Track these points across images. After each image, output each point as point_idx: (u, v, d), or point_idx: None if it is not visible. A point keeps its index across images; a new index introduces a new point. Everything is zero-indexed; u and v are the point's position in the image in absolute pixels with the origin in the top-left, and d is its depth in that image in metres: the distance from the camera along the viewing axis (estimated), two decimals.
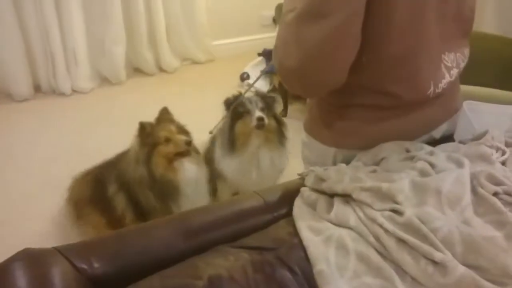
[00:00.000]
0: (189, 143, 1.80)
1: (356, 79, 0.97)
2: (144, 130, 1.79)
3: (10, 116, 3.13)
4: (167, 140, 1.79)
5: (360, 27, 0.87)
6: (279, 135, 2.00)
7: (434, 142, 1.10)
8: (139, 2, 3.51)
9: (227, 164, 2.02)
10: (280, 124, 2.02)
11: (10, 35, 3.13)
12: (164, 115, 1.90)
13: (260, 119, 1.88)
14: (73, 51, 3.36)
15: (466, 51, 1.14)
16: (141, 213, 1.82)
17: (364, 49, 0.92)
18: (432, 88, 1.02)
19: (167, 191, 1.80)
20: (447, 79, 1.06)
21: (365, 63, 0.95)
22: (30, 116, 3.15)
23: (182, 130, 1.89)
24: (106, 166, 1.92)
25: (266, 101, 1.99)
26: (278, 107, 2.05)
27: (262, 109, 1.93)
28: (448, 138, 1.16)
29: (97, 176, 1.91)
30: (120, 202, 1.83)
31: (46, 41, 3.26)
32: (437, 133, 1.15)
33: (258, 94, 1.99)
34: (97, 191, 1.88)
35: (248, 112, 1.92)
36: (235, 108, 1.95)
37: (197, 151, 1.97)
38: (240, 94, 1.98)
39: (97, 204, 1.87)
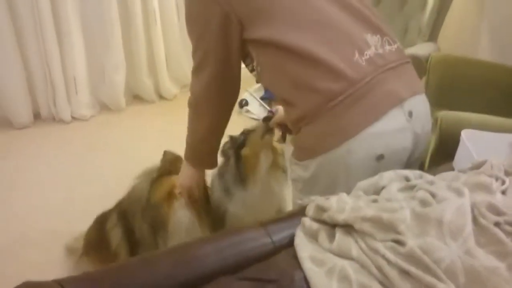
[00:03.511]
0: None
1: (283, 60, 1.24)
2: (166, 157, 1.77)
3: (10, 143, 3.13)
4: None
5: (235, 72, 1.40)
6: (283, 160, 1.84)
7: (405, 165, 1.20)
8: (139, 30, 3.55)
9: (240, 201, 1.80)
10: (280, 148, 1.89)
11: (10, 62, 3.15)
12: None
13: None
14: (74, 78, 3.39)
15: (393, 35, 1.28)
16: (134, 247, 1.76)
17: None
18: (357, 56, 1.16)
19: (156, 220, 1.72)
20: (373, 51, 1.19)
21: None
22: (30, 143, 3.15)
23: None
24: (108, 210, 1.88)
25: (265, 121, 1.87)
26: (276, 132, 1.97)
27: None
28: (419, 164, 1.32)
29: (97, 218, 1.88)
30: (115, 235, 1.78)
31: (47, 69, 3.28)
32: (407, 142, 1.20)
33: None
34: (97, 231, 1.85)
35: (250, 133, 1.82)
36: (238, 143, 1.83)
37: (208, 201, 1.84)
38: (247, 131, 1.86)
39: (97, 244, 1.84)
